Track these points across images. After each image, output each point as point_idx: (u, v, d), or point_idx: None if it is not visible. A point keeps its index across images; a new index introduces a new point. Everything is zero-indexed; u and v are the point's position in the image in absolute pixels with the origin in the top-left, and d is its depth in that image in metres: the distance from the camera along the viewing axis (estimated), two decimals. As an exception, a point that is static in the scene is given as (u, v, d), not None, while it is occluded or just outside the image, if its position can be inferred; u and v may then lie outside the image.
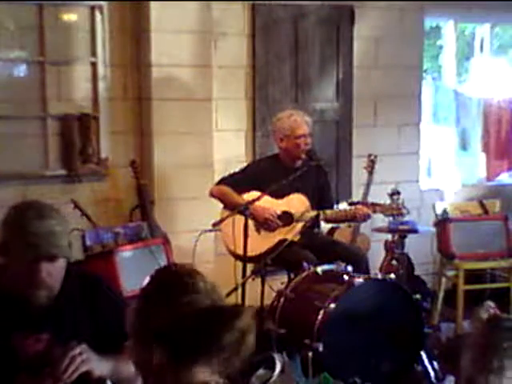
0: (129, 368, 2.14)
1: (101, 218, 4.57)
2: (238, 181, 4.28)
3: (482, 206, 5.46)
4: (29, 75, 4.74)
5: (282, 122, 4.32)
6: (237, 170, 4.43)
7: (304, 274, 3.92)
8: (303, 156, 4.28)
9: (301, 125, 4.27)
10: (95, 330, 2.27)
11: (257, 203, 4.04)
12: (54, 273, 2.17)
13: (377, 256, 5.05)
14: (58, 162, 4.77)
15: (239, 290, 3.79)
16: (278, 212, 4.21)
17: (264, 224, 4.20)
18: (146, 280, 1.64)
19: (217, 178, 4.52)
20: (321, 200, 4.36)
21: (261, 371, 3.37)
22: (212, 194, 4.35)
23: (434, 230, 5.18)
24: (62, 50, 4.73)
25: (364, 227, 4.98)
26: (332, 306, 3.60)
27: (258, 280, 3.92)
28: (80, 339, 2.12)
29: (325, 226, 4.79)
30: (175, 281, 1.58)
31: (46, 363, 2.15)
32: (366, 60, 5.61)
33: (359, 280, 3.73)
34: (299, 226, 4.20)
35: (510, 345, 1.72)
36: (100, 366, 2.13)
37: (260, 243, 4.18)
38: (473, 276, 5.20)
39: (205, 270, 1.68)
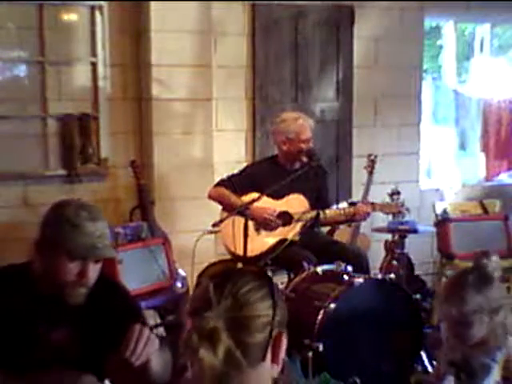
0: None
1: (101, 218, 4.57)
2: (237, 183, 4.25)
3: (482, 206, 5.46)
4: (29, 75, 4.74)
5: (286, 124, 4.24)
6: (235, 172, 4.41)
7: (304, 274, 3.90)
8: (304, 158, 4.25)
9: (306, 129, 4.22)
10: (113, 331, 2.24)
11: (256, 204, 4.02)
12: (96, 273, 2.19)
13: (377, 256, 5.05)
14: (58, 162, 4.78)
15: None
16: (278, 211, 4.21)
17: (263, 224, 4.18)
18: None
19: (217, 178, 4.52)
20: (319, 200, 4.35)
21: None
22: (210, 196, 4.32)
23: (434, 229, 5.18)
24: (61, 50, 4.73)
25: (364, 227, 4.97)
26: (332, 305, 3.59)
27: (258, 280, 3.91)
28: (101, 338, 2.09)
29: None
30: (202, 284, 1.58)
31: (67, 357, 2.14)
32: (365, 60, 5.61)
33: (359, 280, 3.72)
34: (299, 226, 4.20)
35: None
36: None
37: (260, 243, 4.17)
38: (473, 276, 5.19)
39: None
